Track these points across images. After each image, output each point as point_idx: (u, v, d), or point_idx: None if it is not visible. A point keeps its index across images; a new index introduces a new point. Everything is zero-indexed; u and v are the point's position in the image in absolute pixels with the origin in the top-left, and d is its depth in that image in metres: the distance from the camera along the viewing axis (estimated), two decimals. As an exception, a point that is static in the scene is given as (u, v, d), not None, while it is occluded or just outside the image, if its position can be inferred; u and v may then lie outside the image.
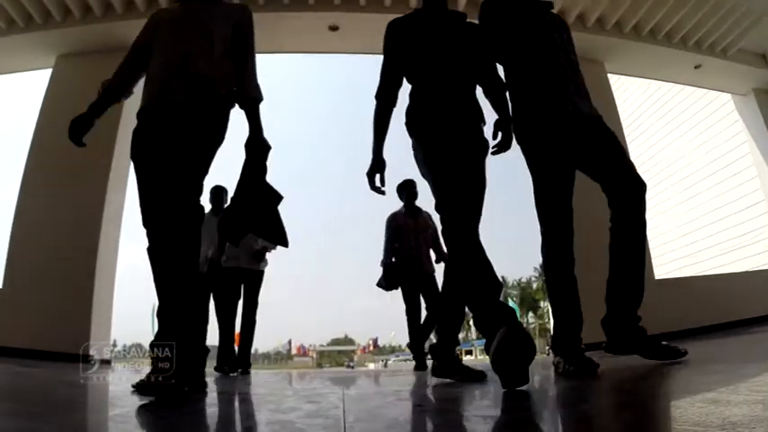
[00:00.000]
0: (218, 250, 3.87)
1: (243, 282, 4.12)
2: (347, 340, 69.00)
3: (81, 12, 4.74)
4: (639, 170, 1.97)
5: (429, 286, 4.17)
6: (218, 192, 4.54)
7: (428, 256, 4.28)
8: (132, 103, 2.17)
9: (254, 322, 4.13)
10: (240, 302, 4.16)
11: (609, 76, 5.60)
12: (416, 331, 4.21)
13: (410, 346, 4.30)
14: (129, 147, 1.92)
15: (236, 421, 1.26)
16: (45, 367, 3.15)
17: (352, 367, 37.37)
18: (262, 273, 4.22)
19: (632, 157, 2.14)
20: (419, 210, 4.41)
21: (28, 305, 4.11)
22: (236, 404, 1.70)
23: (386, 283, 4.19)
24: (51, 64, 4.98)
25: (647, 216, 1.93)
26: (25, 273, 4.28)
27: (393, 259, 4.24)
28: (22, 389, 1.94)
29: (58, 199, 4.42)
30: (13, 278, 4.29)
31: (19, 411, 1.00)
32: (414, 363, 4.33)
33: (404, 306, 4.17)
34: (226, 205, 4.20)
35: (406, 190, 4.38)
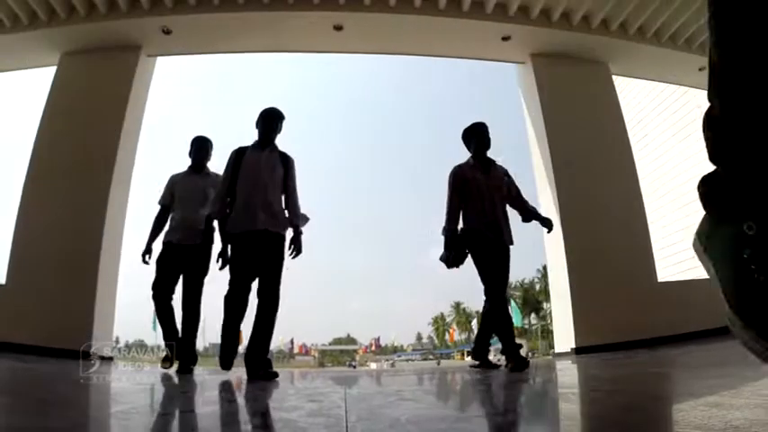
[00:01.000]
0: (220, 205, 2.89)
1: (261, 249, 2.77)
2: (349, 340, 68.99)
3: (86, 9, 4.76)
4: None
5: (503, 262, 3.06)
6: (202, 143, 3.48)
7: (507, 221, 3.16)
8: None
9: (277, 298, 2.75)
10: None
11: (614, 77, 5.58)
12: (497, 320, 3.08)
13: (498, 333, 3.09)
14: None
15: (238, 419, 1.26)
16: (47, 364, 3.16)
17: (354, 367, 37.36)
18: (284, 237, 2.89)
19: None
20: (492, 161, 3.24)
21: (31, 301, 4.14)
22: (239, 402, 1.70)
23: (450, 257, 3.05)
24: (56, 62, 5.00)
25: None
26: (28, 269, 4.30)
27: (460, 225, 3.11)
28: (24, 385, 1.94)
29: (62, 195, 4.45)
30: (16, 274, 4.32)
31: (20, 407, 1.01)
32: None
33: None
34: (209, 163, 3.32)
35: (477, 136, 3.22)
